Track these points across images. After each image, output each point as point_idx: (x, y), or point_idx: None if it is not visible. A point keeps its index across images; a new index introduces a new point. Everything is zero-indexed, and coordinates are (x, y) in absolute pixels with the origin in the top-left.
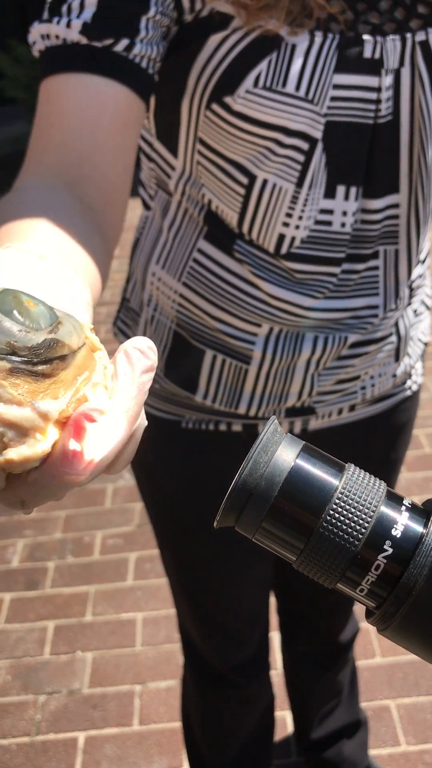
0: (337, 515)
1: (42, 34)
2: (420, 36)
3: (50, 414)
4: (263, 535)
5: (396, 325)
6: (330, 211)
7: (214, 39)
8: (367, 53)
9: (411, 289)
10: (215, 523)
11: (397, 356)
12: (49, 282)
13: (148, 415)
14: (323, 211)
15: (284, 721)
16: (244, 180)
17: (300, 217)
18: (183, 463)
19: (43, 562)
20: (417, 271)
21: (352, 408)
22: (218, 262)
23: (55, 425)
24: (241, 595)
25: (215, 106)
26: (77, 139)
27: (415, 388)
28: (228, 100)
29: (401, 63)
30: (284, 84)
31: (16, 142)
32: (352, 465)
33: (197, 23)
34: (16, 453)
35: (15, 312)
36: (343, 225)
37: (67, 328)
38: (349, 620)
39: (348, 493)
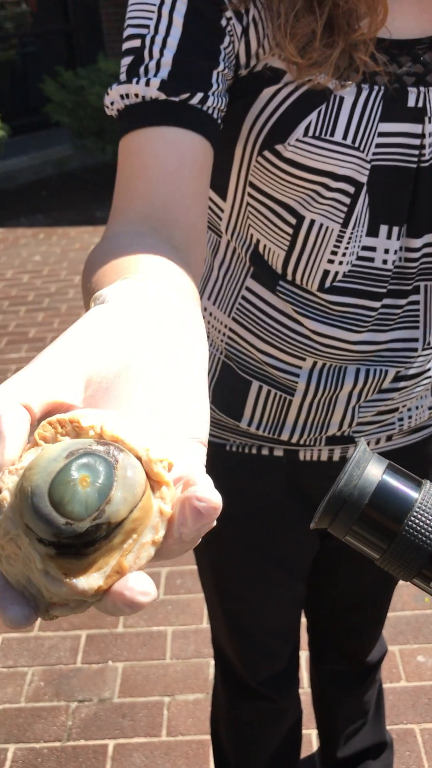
0: (416, 522)
1: (121, 94)
2: None
3: (86, 592)
4: (353, 537)
5: None
6: (372, 249)
7: (267, 91)
8: (411, 102)
9: None
10: (312, 525)
11: None
12: (167, 321)
13: None
14: (366, 248)
15: (310, 739)
16: (293, 220)
17: (344, 254)
18: (225, 483)
19: None
20: None
21: (389, 438)
22: (264, 299)
23: (95, 597)
24: (275, 611)
25: (267, 153)
26: (161, 188)
27: None
28: (279, 147)
29: None
30: (332, 133)
31: (59, 164)
32: (428, 481)
33: (251, 77)
34: (60, 612)
35: (65, 498)
36: (384, 262)
37: (115, 503)
38: (377, 641)
39: (425, 504)
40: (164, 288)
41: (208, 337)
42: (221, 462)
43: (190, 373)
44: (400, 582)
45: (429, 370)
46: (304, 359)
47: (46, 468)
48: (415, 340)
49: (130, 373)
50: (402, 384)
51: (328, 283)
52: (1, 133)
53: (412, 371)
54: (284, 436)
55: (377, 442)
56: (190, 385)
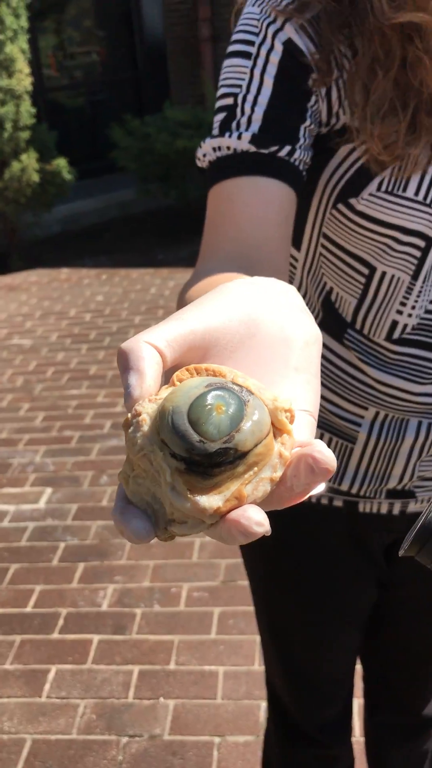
0: None
1: (213, 147)
2: None
3: (206, 510)
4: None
5: None
6: None
7: (345, 148)
8: None
9: None
10: (400, 552)
11: None
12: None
13: None
14: None
15: None
16: (365, 271)
17: (413, 306)
18: (286, 532)
19: (131, 608)
20: None
21: None
22: (330, 348)
23: (213, 517)
24: (331, 658)
25: (341, 206)
26: (249, 231)
27: None
28: (353, 201)
29: None
30: (405, 189)
31: (123, 207)
32: None
33: (331, 134)
34: (177, 529)
35: (202, 418)
36: None
37: (244, 433)
38: None
39: None
40: (278, 282)
41: None
42: (281, 511)
43: (308, 356)
44: None
45: None
46: (366, 408)
47: (187, 393)
48: None
49: (253, 341)
50: None
51: (396, 335)
52: (68, 177)
53: None
54: (344, 486)
55: None
56: (306, 365)
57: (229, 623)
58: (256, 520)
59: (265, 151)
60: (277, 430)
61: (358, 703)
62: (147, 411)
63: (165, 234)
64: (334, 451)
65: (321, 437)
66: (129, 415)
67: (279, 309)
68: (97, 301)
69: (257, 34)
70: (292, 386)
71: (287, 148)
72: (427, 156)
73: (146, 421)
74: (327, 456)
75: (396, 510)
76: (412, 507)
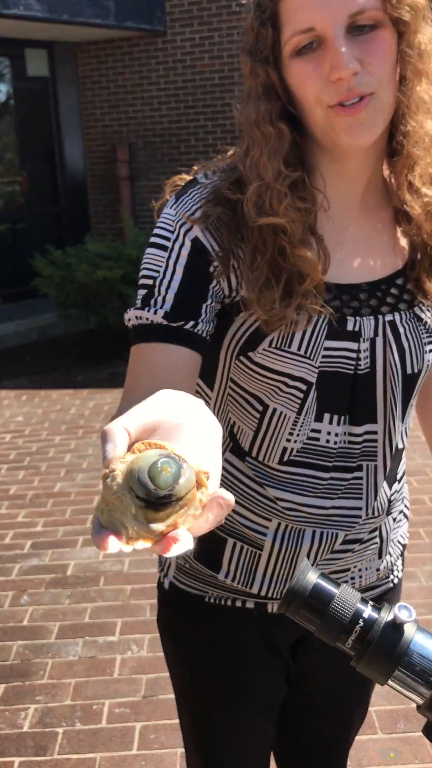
0: (336, 606)
1: (136, 316)
2: (389, 317)
3: (155, 531)
4: (300, 618)
5: (379, 529)
6: (319, 431)
7: (242, 315)
8: (350, 327)
9: (389, 502)
10: (276, 609)
11: (380, 554)
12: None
13: (178, 590)
14: (314, 431)
15: None
16: (260, 408)
17: (298, 434)
18: (204, 632)
19: (53, 728)
20: (395, 487)
21: None
22: (239, 468)
23: (158, 536)
24: (248, 750)
25: (242, 358)
26: (160, 383)
27: (396, 581)
28: (251, 354)
29: (375, 334)
30: (290, 345)
31: (44, 330)
32: (344, 584)
33: (233, 304)
34: (135, 543)
35: (160, 478)
36: (328, 441)
37: (180, 486)
38: None
39: (342, 596)
40: (194, 397)
41: None
42: (201, 613)
43: (216, 440)
44: (368, 741)
45: (374, 537)
46: (270, 520)
47: (146, 460)
48: (359, 509)
49: (184, 427)
50: (350, 547)
51: (285, 458)
52: None
53: (359, 537)
54: (254, 590)
55: None
56: (214, 445)
57: (150, 737)
58: (183, 537)
59: (175, 325)
60: (199, 484)
61: None
62: (119, 468)
63: (85, 356)
64: (244, 558)
65: (233, 546)
66: (106, 470)
67: (197, 409)
68: (16, 422)
69: (172, 232)
70: (205, 456)
71: (191, 323)
72: (305, 318)
73: (119, 475)
74: (229, 497)
75: None
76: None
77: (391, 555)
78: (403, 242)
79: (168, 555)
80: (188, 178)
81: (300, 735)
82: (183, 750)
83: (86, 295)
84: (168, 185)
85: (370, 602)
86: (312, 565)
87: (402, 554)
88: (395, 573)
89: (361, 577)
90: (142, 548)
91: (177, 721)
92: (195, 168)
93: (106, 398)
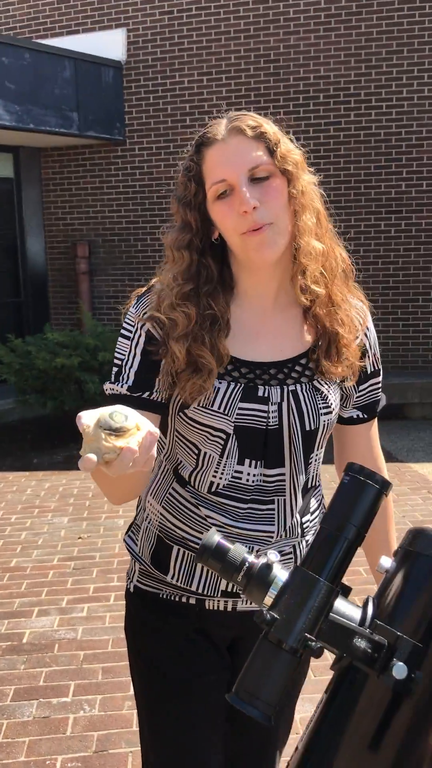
0: (230, 556)
1: (110, 388)
2: (292, 388)
3: (117, 448)
4: (209, 565)
5: (294, 547)
6: (241, 472)
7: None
8: (260, 394)
9: (303, 529)
10: (211, 605)
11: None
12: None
13: (140, 590)
14: (237, 471)
15: None
16: (196, 451)
17: (223, 473)
18: (158, 621)
19: None
20: (307, 518)
21: None
22: (181, 494)
23: (118, 450)
24: (200, 744)
25: (181, 414)
26: None
27: None
28: (186, 411)
29: (281, 399)
30: (212, 405)
31: (3, 415)
32: (237, 543)
33: (178, 375)
34: (106, 457)
35: (115, 418)
36: (247, 480)
37: (127, 422)
38: None
39: (235, 550)
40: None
41: (149, 520)
42: (156, 607)
43: (151, 425)
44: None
45: (290, 553)
46: (202, 532)
47: (106, 412)
48: (272, 532)
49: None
50: None
51: (214, 489)
52: None
53: (279, 550)
54: (194, 587)
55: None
56: (150, 425)
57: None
58: (133, 447)
59: (136, 395)
60: (137, 429)
61: None
62: (90, 423)
63: (41, 440)
64: (186, 562)
65: (178, 552)
66: (84, 426)
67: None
68: None
69: (133, 326)
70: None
71: (147, 393)
72: (212, 386)
73: (90, 426)
74: (157, 431)
75: (230, 607)
76: (241, 606)
77: None
78: (309, 332)
79: (124, 459)
80: (150, 284)
81: (232, 744)
82: None
83: (44, 381)
84: (133, 294)
85: (254, 554)
86: None
87: None
88: None
89: None
90: (110, 458)
91: None
92: (151, 281)
93: (62, 479)
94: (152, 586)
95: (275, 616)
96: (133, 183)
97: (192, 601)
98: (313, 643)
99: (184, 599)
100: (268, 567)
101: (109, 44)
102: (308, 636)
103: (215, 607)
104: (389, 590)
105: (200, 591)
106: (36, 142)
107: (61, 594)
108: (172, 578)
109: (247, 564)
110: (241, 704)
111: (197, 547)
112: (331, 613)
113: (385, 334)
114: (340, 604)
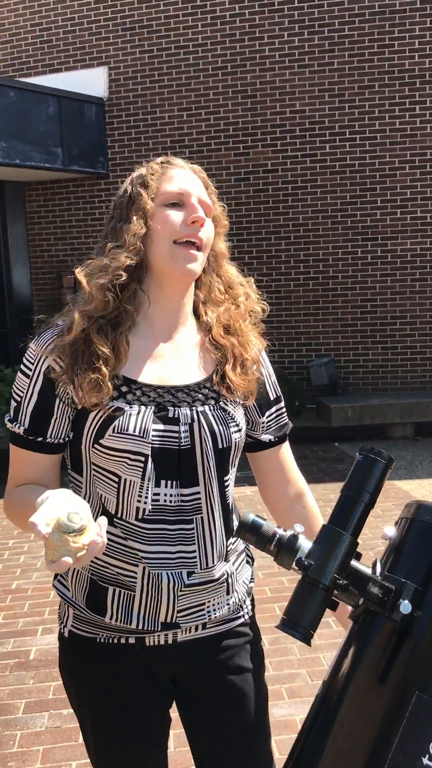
0: (264, 530)
1: (11, 426)
2: (201, 409)
3: (81, 545)
4: (246, 539)
5: (226, 573)
6: (158, 494)
7: (91, 414)
8: (171, 415)
9: (227, 551)
10: (153, 641)
11: (228, 591)
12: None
13: (76, 635)
14: (156, 494)
15: None
16: (117, 479)
17: (147, 497)
18: (95, 667)
19: None
20: (231, 540)
21: (204, 626)
22: (109, 531)
23: (83, 546)
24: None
25: (96, 445)
26: (30, 475)
27: (247, 617)
28: (101, 441)
29: (192, 420)
30: (127, 429)
31: None
32: (268, 521)
33: (83, 409)
34: (80, 554)
35: (73, 520)
36: (166, 501)
37: (83, 520)
38: None
39: (267, 525)
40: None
41: None
42: (93, 653)
43: (77, 498)
44: None
45: (221, 577)
46: (137, 566)
47: (63, 516)
48: (195, 552)
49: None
50: (199, 586)
51: (140, 516)
52: None
53: (211, 577)
54: (133, 625)
55: (196, 628)
56: (81, 501)
57: None
58: (97, 540)
59: (32, 438)
60: (87, 527)
61: None
62: (46, 530)
63: None
64: (122, 601)
65: (113, 592)
66: (44, 535)
67: (62, 490)
68: None
69: (33, 363)
70: (82, 506)
71: (41, 438)
72: (135, 408)
73: (51, 533)
74: (104, 537)
75: (170, 640)
76: (181, 637)
77: (237, 592)
78: (213, 357)
79: (93, 551)
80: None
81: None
82: None
83: None
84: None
85: (282, 528)
86: (174, 600)
87: (249, 593)
88: (245, 610)
89: (215, 610)
90: (80, 556)
91: None
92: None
93: None
94: (88, 631)
95: (311, 562)
96: None
97: (131, 640)
98: (342, 581)
99: (123, 640)
100: (294, 537)
101: (91, 82)
102: (337, 576)
103: (155, 642)
104: (393, 551)
105: (140, 627)
106: (21, 176)
107: None
108: (111, 618)
109: (277, 536)
110: (288, 630)
111: (133, 582)
112: (352, 562)
113: (365, 356)
114: (356, 563)
